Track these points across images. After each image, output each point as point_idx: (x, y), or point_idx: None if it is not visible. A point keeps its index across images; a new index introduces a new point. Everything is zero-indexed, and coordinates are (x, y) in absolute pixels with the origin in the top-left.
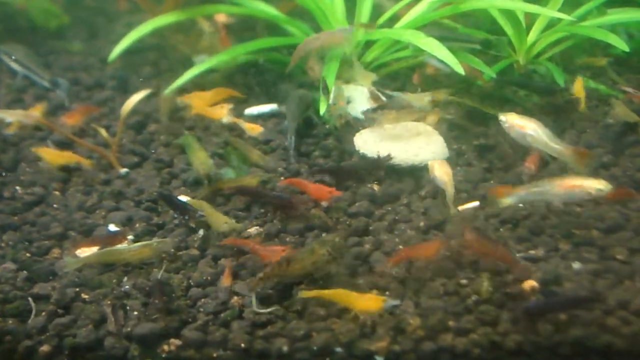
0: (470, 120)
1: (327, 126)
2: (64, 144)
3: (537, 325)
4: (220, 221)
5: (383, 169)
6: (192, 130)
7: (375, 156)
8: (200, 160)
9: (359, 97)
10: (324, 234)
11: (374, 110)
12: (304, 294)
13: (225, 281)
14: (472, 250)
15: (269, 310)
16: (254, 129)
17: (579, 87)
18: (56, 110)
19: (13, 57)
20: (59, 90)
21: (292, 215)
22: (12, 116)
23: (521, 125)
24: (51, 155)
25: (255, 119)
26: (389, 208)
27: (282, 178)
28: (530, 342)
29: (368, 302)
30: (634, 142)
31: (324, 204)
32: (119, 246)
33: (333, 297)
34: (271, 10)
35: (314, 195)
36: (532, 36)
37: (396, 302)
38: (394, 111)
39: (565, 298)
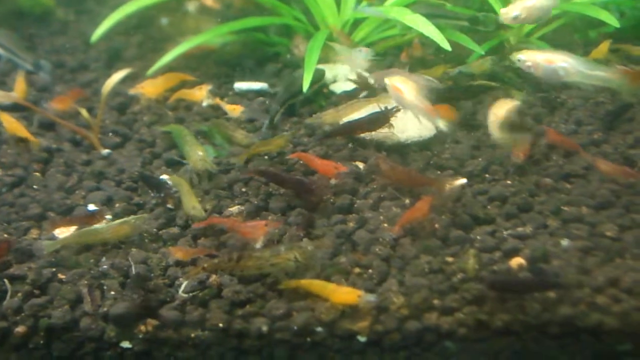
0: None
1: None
2: (47, 125)
3: (503, 299)
4: (189, 205)
5: (388, 122)
6: (175, 110)
7: (379, 111)
8: (198, 155)
9: (343, 77)
10: (304, 212)
11: (356, 90)
12: (285, 285)
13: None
14: (389, 177)
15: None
16: (235, 110)
17: None
18: (41, 92)
19: None
20: (42, 73)
21: (311, 202)
22: None
23: (549, 59)
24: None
25: (244, 93)
26: (375, 186)
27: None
28: (519, 321)
29: (344, 296)
30: (626, 120)
31: (333, 181)
32: (97, 226)
33: (310, 288)
34: None
35: (321, 171)
36: None
37: (372, 297)
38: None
39: (526, 280)
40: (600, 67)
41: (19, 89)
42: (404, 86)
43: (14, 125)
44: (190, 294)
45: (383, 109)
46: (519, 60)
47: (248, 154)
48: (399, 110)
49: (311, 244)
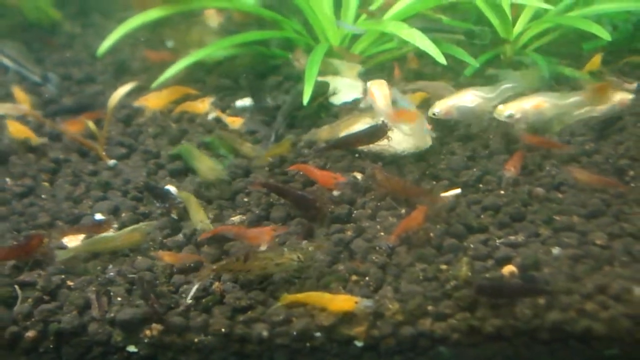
0: None
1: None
2: (54, 136)
3: (495, 306)
4: (197, 219)
5: (383, 136)
6: (179, 122)
7: (376, 125)
8: (208, 166)
9: (344, 89)
10: (304, 222)
11: (355, 101)
12: (284, 300)
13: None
14: (385, 188)
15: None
16: (234, 122)
17: None
18: (47, 104)
19: (4, 53)
20: (49, 85)
21: (313, 216)
22: (1, 109)
23: (536, 105)
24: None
25: (244, 109)
26: (372, 196)
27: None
28: (509, 326)
29: (341, 303)
30: (617, 130)
31: (335, 193)
32: (108, 234)
33: (308, 300)
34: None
35: (321, 182)
36: (518, 27)
37: (369, 302)
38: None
39: (514, 286)
40: (571, 94)
41: (19, 100)
42: (378, 92)
43: (21, 130)
44: (196, 299)
45: (380, 122)
46: (508, 117)
47: (266, 159)
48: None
49: (312, 245)
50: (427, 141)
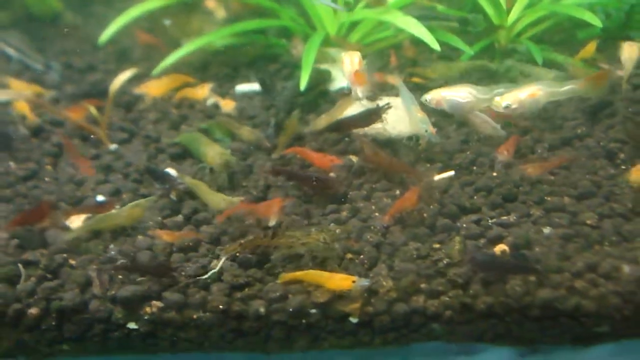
0: None
1: None
2: (57, 122)
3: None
4: (218, 200)
5: (378, 119)
6: (179, 108)
7: (374, 106)
8: (216, 150)
9: (339, 76)
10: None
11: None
12: (282, 278)
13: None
14: (372, 162)
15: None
16: (227, 105)
17: None
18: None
19: (8, 43)
20: (52, 73)
21: (327, 194)
22: (5, 95)
23: (532, 94)
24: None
25: (244, 94)
26: (367, 177)
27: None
28: (501, 303)
29: (339, 282)
30: (609, 114)
31: (332, 174)
32: (112, 211)
33: (307, 278)
34: None
35: (317, 164)
36: (512, 15)
37: (366, 281)
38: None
39: (507, 262)
40: (566, 82)
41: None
42: (347, 58)
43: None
44: (208, 276)
45: (375, 106)
46: (506, 107)
47: (281, 150)
48: (390, 107)
49: (338, 227)
50: (423, 126)
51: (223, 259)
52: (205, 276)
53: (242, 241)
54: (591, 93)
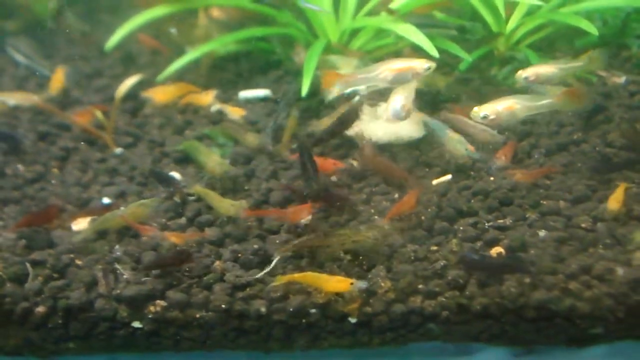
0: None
1: None
2: (64, 126)
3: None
4: (226, 206)
5: (357, 117)
6: (183, 114)
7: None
8: (215, 161)
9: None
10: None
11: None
12: (279, 280)
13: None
14: (371, 164)
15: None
16: (236, 112)
17: None
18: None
19: (17, 49)
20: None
21: (341, 208)
22: (13, 99)
23: (508, 107)
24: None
25: (247, 101)
26: (368, 182)
27: None
28: (496, 304)
29: (337, 284)
30: (604, 120)
31: (334, 178)
32: (118, 210)
33: (305, 280)
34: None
35: (321, 168)
36: (511, 24)
37: (363, 283)
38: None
39: (495, 262)
40: (542, 97)
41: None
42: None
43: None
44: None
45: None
46: (483, 118)
47: (284, 149)
48: (361, 103)
49: (387, 224)
50: (421, 131)
51: (276, 259)
52: (259, 275)
53: (296, 241)
54: (568, 107)
